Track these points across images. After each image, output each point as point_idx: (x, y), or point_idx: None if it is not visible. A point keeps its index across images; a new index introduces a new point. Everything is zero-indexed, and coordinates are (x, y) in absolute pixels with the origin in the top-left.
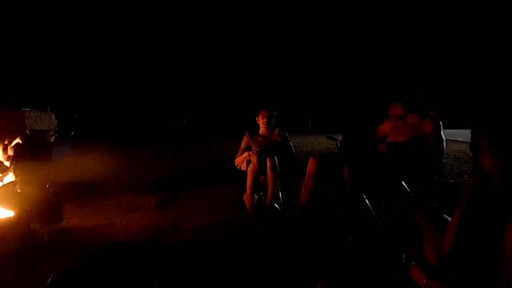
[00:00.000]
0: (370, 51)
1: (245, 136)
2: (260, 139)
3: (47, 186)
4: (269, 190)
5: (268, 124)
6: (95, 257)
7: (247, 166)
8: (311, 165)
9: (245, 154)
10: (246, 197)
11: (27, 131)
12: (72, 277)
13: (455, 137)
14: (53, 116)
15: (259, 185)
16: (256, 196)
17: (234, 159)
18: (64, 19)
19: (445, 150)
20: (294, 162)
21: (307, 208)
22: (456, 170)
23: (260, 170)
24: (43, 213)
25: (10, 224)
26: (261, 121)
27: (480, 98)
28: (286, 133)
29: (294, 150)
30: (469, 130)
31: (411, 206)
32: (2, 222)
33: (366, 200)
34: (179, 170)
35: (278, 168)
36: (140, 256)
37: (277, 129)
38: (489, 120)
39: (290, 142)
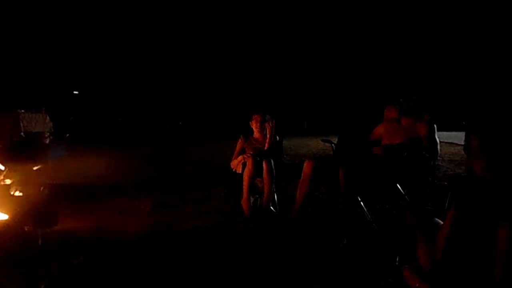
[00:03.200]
0: (366, 54)
1: (239, 139)
2: (254, 142)
3: (41, 188)
4: (265, 192)
5: (261, 128)
6: (87, 263)
7: (242, 169)
8: (306, 167)
9: (240, 157)
10: (243, 202)
11: (22, 133)
12: (65, 283)
13: (449, 139)
14: (48, 118)
15: (254, 188)
16: (251, 199)
17: (230, 161)
18: (59, 21)
19: (439, 152)
20: (290, 164)
21: (302, 210)
22: (450, 172)
23: (256, 173)
24: (38, 215)
25: (4, 227)
26: (254, 125)
27: (475, 101)
28: (277, 136)
29: (283, 153)
30: (463, 133)
31: (405, 207)
32: None
33: (361, 203)
34: (175, 172)
35: (274, 171)
36: (135, 259)
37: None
38: (480, 123)
39: (282, 144)
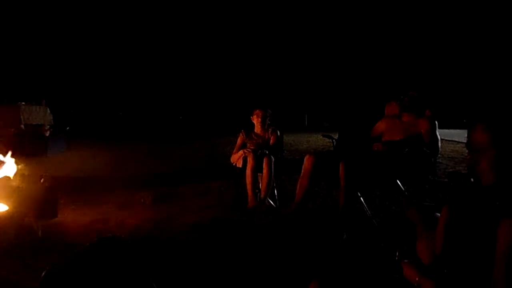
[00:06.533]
0: (367, 50)
1: (240, 134)
2: (255, 137)
3: (42, 180)
4: (263, 186)
5: (263, 123)
6: (90, 251)
7: (243, 163)
8: (306, 162)
9: (241, 151)
10: (249, 199)
11: (22, 126)
12: (66, 271)
13: (450, 137)
14: (49, 111)
15: (256, 183)
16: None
17: (230, 156)
18: (60, 14)
19: (440, 149)
20: (290, 160)
21: (302, 205)
22: (450, 170)
23: (256, 167)
24: (38, 207)
25: (5, 219)
26: (255, 120)
27: (476, 99)
28: (277, 131)
29: (283, 149)
30: (464, 130)
31: (405, 204)
32: None
33: (361, 198)
34: (175, 167)
35: (273, 166)
36: (136, 251)
37: (271, 127)
38: (492, 117)
39: (283, 140)
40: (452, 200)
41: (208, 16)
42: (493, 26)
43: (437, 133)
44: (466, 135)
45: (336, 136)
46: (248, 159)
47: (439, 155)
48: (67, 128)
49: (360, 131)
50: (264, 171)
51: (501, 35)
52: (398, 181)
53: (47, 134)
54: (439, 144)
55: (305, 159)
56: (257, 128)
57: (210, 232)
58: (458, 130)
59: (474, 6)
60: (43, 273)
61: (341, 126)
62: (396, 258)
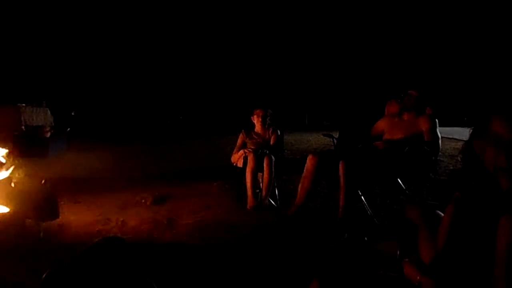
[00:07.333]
0: (367, 48)
1: (241, 133)
2: (255, 137)
3: (42, 182)
4: (264, 186)
5: (263, 123)
6: (91, 252)
7: (243, 163)
8: (309, 163)
9: (241, 151)
10: (248, 198)
11: (23, 127)
12: (68, 272)
13: (450, 135)
14: (49, 112)
15: (256, 182)
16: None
17: (231, 156)
18: (60, 15)
19: (440, 147)
20: (291, 159)
21: (303, 205)
22: (451, 168)
23: (257, 167)
24: (39, 209)
25: (5, 220)
26: (256, 120)
27: (477, 97)
28: (278, 131)
29: (283, 148)
30: (465, 128)
31: (406, 203)
32: None
33: (362, 197)
34: (176, 167)
35: (273, 166)
36: (136, 252)
37: (272, 127)
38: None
39: (283, 139)
40: (459, 199)
41: (208, 16)
42: (493, 25)
43: (438, 131)
44: (473, 128)
45: (336, 135)
46: (248, 159)
47: (439, 153)
48: (68, 129)
49: (361, 130)
50: (265, 170)
51: (501, 33)
52: (399, 180)
53: (48, 135)
54: (440, 142)
55: (307, 160)
56: (258, 128)
57: (210, 232)
58: (458, 128)
59: (474, 6)
60: (45, 274)
61: (341, 125)
62: (397, 257)
